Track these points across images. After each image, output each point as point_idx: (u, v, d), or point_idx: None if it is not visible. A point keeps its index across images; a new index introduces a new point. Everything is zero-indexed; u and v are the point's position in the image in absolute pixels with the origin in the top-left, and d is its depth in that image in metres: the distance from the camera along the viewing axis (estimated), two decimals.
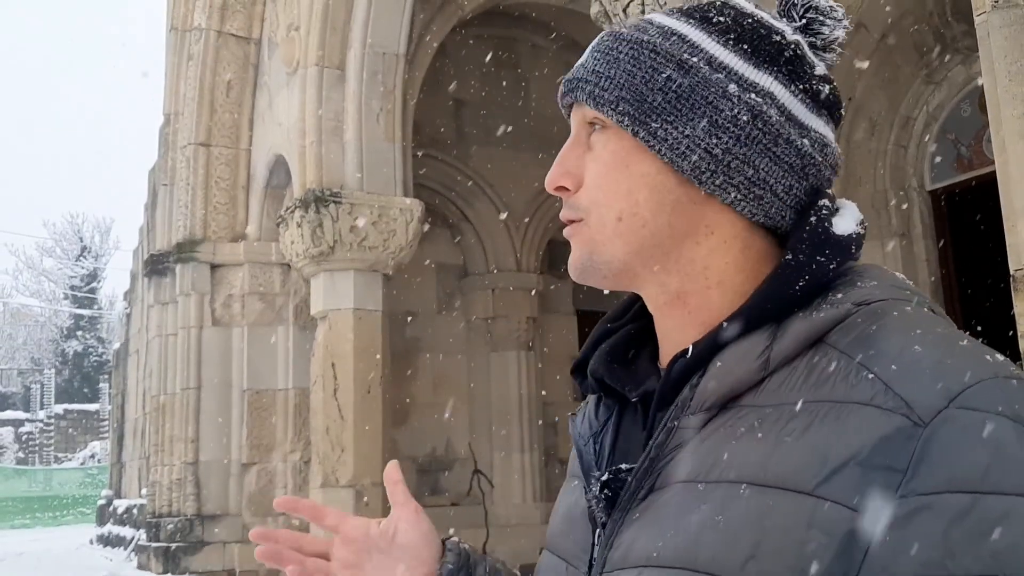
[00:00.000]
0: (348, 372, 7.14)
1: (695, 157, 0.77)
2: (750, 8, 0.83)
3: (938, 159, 8.08)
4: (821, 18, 0.83)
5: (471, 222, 10.69)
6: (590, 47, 0.85)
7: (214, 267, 8.98)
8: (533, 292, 10.52)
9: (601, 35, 0.85)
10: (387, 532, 0.93)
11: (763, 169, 0.77)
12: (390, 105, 7.59)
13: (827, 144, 0.81)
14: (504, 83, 10.62)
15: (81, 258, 43.50)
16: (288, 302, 8.95)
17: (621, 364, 0.87)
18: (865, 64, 7.59)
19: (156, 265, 9.56)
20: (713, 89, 0.77)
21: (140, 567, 9.47)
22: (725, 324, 0.76)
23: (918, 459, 0.61)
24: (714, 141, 0.76)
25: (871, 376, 0.66)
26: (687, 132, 0.77)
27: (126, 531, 12.58)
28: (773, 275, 0.75)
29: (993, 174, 2.84)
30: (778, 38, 0.80)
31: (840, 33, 0.83)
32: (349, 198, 7.30)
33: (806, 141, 0.78)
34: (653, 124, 0.78)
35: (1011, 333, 2.61)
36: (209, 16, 9.10)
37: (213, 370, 8.80)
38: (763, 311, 0.74)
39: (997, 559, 0.57)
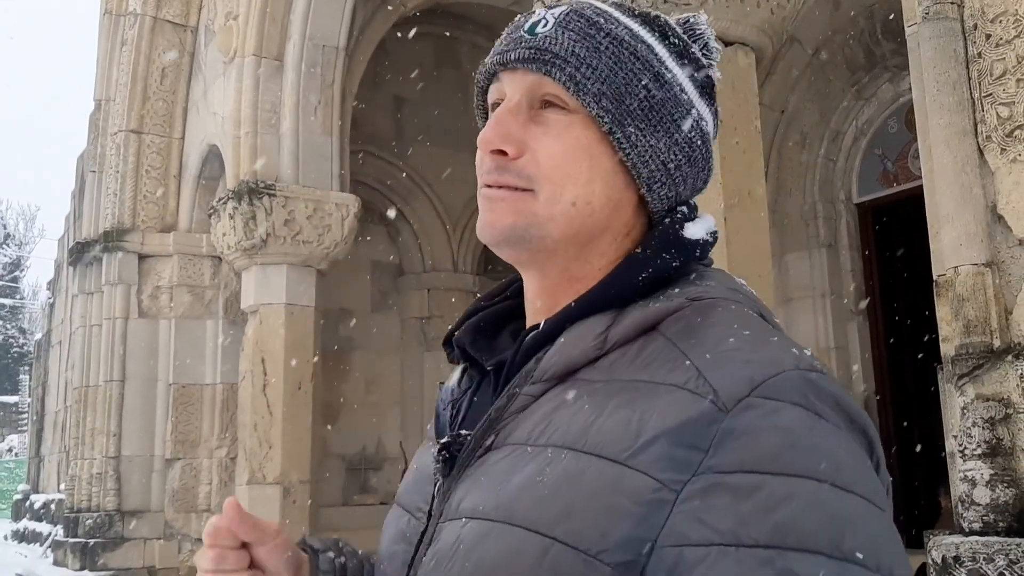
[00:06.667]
0: (278, 368, 7.04)
1: (653, 167, 0.83)
2: (679, 31, 0.88)
3: (865, 173, 8.30)
4: (709, 57, 0.89)
5: (408, 220, 10.63)
6: (554, 19, 0.85)
7: (142, 257, 8.76)
8: (469, 293, 10.51)
9: (565, 10, 0.85)
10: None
11: (691, 186, 0.87)
12: (328, 99, 7.51)
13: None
14: (445, 82, 10.59)
15: (4, 246, 42.10)
16: (218, 295, 8.79)
17: (486, 338, 0.91)
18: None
19: (82, 254, 9.29)
20: (681, 109, 0.84)
21: (56, 564, 9.16)
22: (573, 304, 0.81)
23: (718, 441, 0.67)
24: (671, 156, 0.84)
25: (688, 363, 0.72)
26: (652, 143, 0.83)
27: (43, 527, 12.20)
28: (621, 265, 0.83)
29: (917, 189, 2.93)
30: (707, 70, 0.87)
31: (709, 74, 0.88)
32: (284, 191, 7.20)
33: (712, 162, 0.88)
34: (628, 128, 0.82)
35: (930, 337, 2.69)
36: (145, 1, 8.90)
37: (138, 363, 8.59)
38: (607, 296, 0.80)
39: (779, 530, 0.63)
